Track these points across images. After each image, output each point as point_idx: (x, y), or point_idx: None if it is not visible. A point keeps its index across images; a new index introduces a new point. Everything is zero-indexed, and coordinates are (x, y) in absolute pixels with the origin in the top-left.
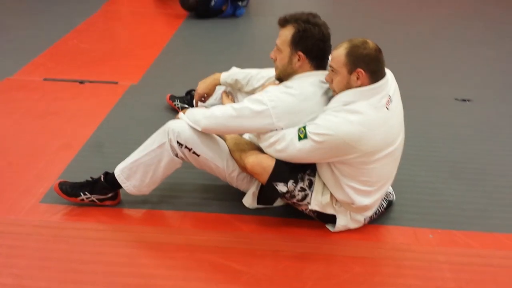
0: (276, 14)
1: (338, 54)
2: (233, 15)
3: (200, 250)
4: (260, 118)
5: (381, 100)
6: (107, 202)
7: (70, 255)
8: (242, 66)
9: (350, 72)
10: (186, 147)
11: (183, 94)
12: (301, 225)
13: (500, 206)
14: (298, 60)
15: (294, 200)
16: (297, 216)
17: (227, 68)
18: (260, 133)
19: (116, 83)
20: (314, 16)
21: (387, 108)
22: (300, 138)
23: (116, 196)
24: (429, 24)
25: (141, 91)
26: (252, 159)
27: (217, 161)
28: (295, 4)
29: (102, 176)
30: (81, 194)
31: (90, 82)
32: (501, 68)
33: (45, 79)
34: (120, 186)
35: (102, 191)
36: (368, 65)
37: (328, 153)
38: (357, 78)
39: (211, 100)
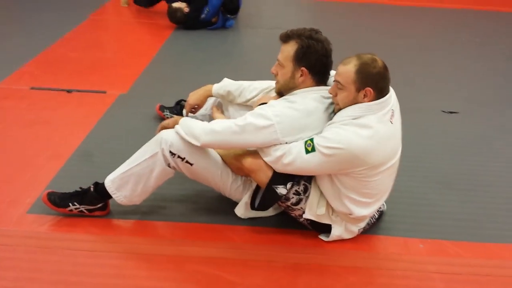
0: (264, 25)
1: (347, 71)
2: (223, 26)
3: (191, 261)
4: (265, 134)
5: (386, 114)
6: (97, 213)
7: (60, 267)
8: (231, 76)
9: (359, 90)
10: (179, 156)
11: (172, 104)
12: (294, 235)
13: (490, 216)
14: (301, 75)
15: (288, 203)
16: (290, 226)
17: (216, 79)
18: (263, 148)
19: (105, 92)
20: (316, 31)
21: (391, 122)
22: (307, 151)
23: (105, 207)
24: (416, 36)
25: (130, 101)
26: (249, 158)
27: (211, 170)
28: (283, 16)
29: (92, 186)
30: (70, 204)
31: (78, 91)
32: (488, 81)
33: (32, 88)
34: (110, 196)
35: (91, 201)
36: (376, 84)
37: (336, 166)
38: (364, 96)
39: (201, 111)
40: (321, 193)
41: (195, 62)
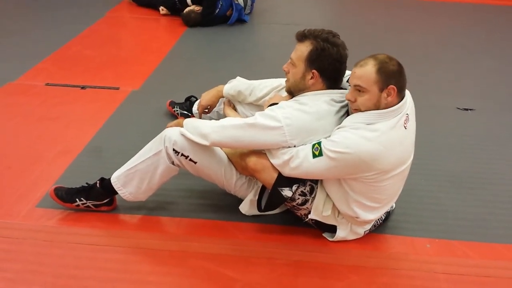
0: (279, 21)
1: (367, 72)
2: (240, 18)
3: (194, 257)
4: (273, 135)
5: (400, 119)
6: (103, 208)
7: (64, 260)
8: (244, 73)
9: (382, 89)
10: (182, 154)
11: (183, 100)
12: (297, 233)
13: (499, 216)
14: (311, 78)
15: (294, 204)
16: (293, 224)
17: (229, 75)
18: (271, 149)
19: (118, 88)
20: (334, 35)
21: (405, 127)
22: (314, 155)
23: (112, 202)
24: (431, 33)
25: (142, 97)
26: (253, 158)
27: (215, 167)
28: (298, 12)
29: (98, 182)
30: (77, 200)
31: (92, 87)
32: (504, 77)
33: (47, 84)
34: (115, 192)
35: (98, 197)
36: (398, 81)
37: (343, 171)
38: (388, 95)
39: (214, 112)
40: (328, 194)
41: (208, 59)
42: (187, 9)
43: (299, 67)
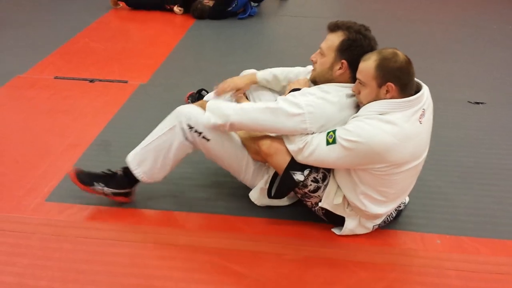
0: (288, 13)
1: (367, 67)
2: (249, 14)
3: (202, 251)
4: (294, 121)
5: (415, 113)
6: (120, 198)
7: (72, 255)
8: (253, 66)
9: (380, 85)
10: (196, 131)
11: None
12: (306, 228)
13: (510, 212)
14: (340, 68)
15: (306, 190)
16: (301, 219)
17: (238, 68)
18: (288, 135)
19: (126, 82)
20: (366, 28)
21: (420, 122)
22: (328, 143)
23: (130, 193)
24: (441, 23)
25: (150, 90)
26: (267, 141)
27: (227, 148)
28: (307, 4)
29: (121, 169)
30: (95, 183)
31: (100, 80)
32: None
33: (55, 77)
34: (136, 181)
35: (118, 184)
36: (398, 79)
37: (355, 160)
38: (387, 92)
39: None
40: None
41: (216, 52)
42: (197, 1)
43: (328, 57)
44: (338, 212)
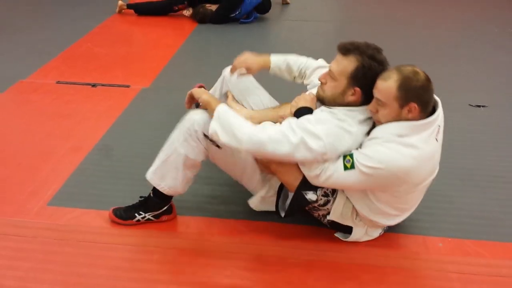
0: (289, 17)
1: (388, 87)
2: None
3: (204, 256)
4: (315, 154)
5: (432, 132)
6: (164, 217)
7: (74, 259)
8: None
9: (402, 106)
10: (205, 135)
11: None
12: (307, 231)
13: None
14: (352, 94)
15: (315, 205)
16: (304, 223)
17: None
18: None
19: (128, 86)
20: (379, 50)
21: (436, 140)
22: (346, 168)
23: (171, 210)
24: (442, 26)
25: (153, 95)
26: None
27: (237, 158)
28: (309, 8)
29: (152, 192)
30: (136, 215)
31: (102, 85)
32: None
33: (58, 82)
34: (170, 197)
35: (155, 206)
36: (421, 98)
37: (375, 184)
38: (409, 112)
39: (216, 93)
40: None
41: (218, 56)
42: (200, 5)
43: (340, 82)
44: (346, 223)
